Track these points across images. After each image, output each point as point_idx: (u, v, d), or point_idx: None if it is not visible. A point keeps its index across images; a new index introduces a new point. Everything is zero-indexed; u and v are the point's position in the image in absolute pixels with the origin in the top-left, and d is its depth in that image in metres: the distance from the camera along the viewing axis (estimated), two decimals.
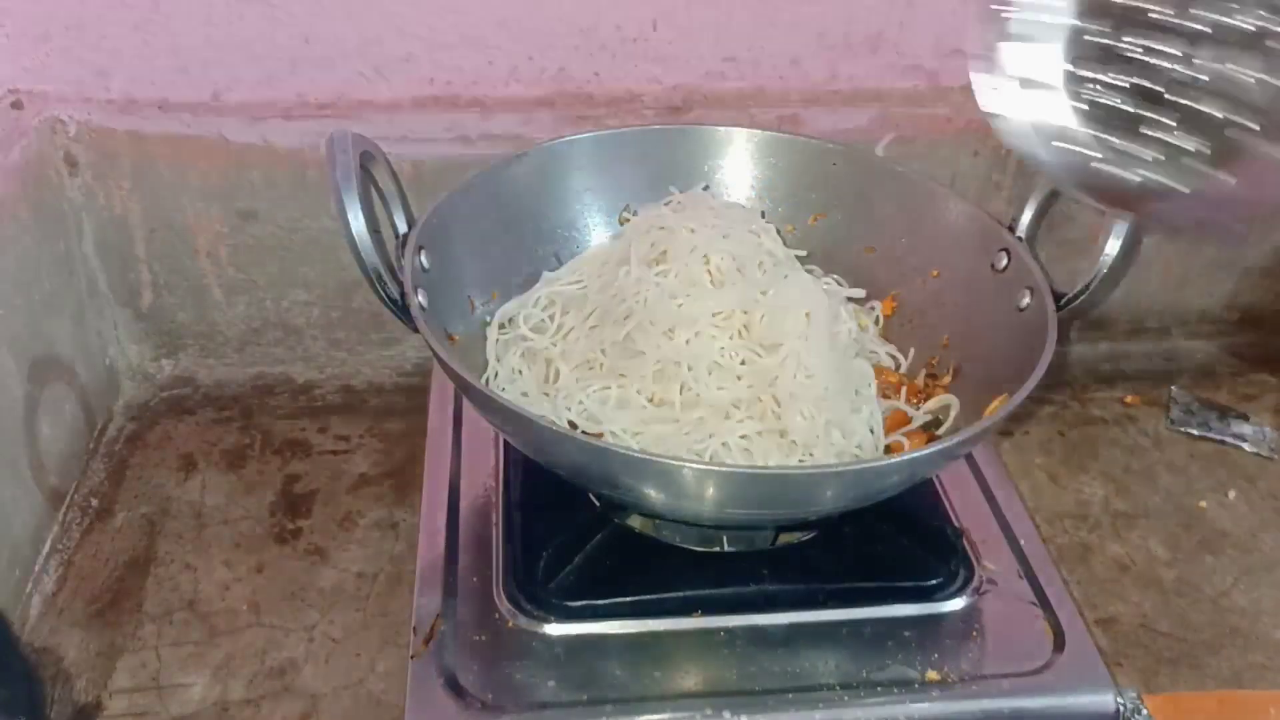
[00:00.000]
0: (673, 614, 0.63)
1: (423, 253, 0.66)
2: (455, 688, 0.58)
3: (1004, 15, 0.63)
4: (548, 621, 0.62)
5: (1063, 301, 0.65)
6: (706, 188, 0.79)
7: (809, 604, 0.64)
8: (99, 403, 0.89)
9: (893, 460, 0.54)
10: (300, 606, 0.74)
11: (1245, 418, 0.94)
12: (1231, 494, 0.87)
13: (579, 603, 0.63)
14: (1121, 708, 0.62)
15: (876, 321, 0.76)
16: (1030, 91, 0.64)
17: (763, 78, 0.85)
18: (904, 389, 0.71)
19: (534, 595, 0.63)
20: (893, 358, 0.74)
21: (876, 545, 0.67)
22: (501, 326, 0.73)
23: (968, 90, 0.86)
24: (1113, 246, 0.63)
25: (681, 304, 0.67)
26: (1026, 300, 0.66)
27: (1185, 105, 0.58)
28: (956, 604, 0.65)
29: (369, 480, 0.85)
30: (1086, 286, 0.64)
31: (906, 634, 0.63)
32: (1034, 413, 0.94)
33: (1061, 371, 1.00)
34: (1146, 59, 0.59)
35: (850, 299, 0.76)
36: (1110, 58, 0.61)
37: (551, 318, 0.72)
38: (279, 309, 0.93)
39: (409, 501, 0.82)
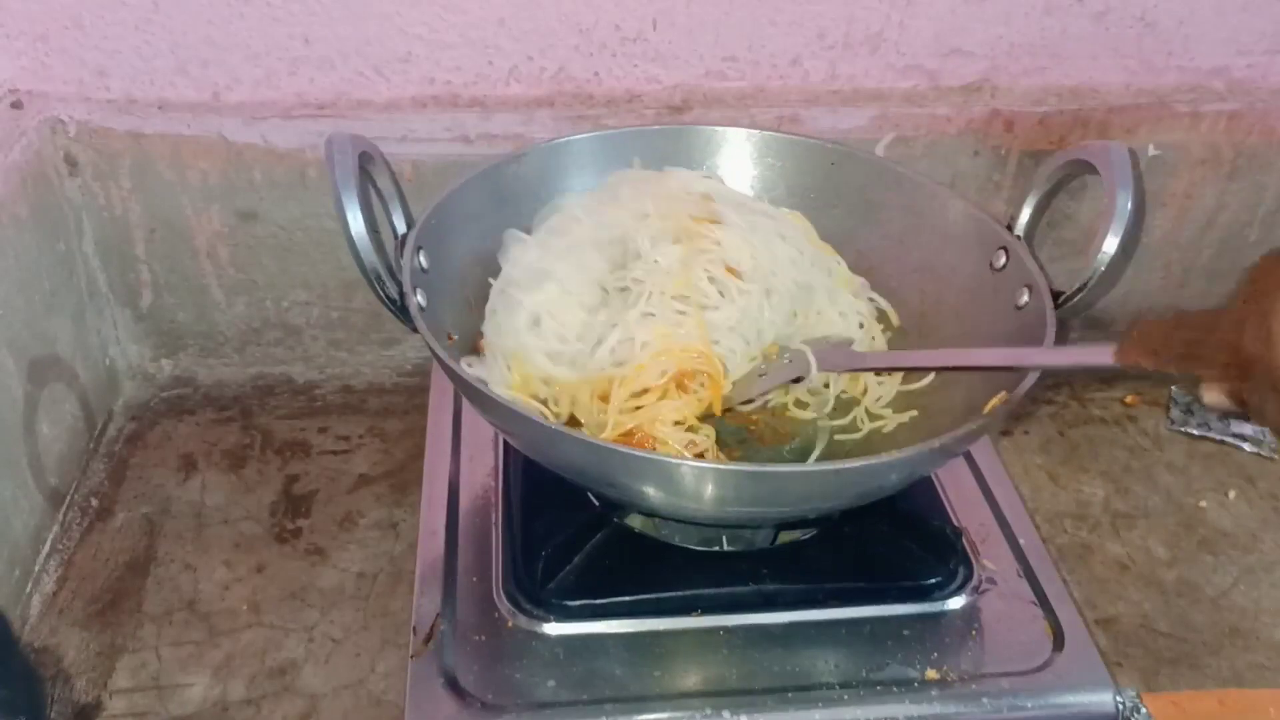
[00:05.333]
0: (672, 613, 0.63)
1: (421, 253, 0.66)
2: (455, 688, 0.58)
3: None
4: (547, 621, 0.62)
5: (1061, 300, 0.65)
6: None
7: (808, 603, 0.64)
8: (99, 403, 0.89)
9: (891, 458, 0.54)
10: (300, 606, 0.74)
11: (1245, 418, 0.94)
12: (1231, 494, 0.86)
13: (578, 602, 0.63)
14: (1121, 707, 0.62)
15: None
16: None
17: (763, 78, 0.85)
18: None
19: (534, 595, 0.63)
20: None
21: (876, 544, 0.67)
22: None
23: (968, 90, 0.87)
24: (1110, 245, 0.63)
25: None
26: (1025, 299, 0.66)
27: None
28: (956, 603, 0.65)
29: (369, 480, 0.85)
30: (1084, 285, 0.64)
31: (906, 633, 0.63)
32: (1034, 413, 0.94)
33: (1061, 371, 1.00)
34: None
35: None
36: None
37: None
38: (279, 309, 0.93)
39: (409, 501, 0.82)
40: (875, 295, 0.76)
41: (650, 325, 0.65)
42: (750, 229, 0.70)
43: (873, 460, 0.54)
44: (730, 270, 0.68)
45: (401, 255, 0.65)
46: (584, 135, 0.77)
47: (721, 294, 0.67)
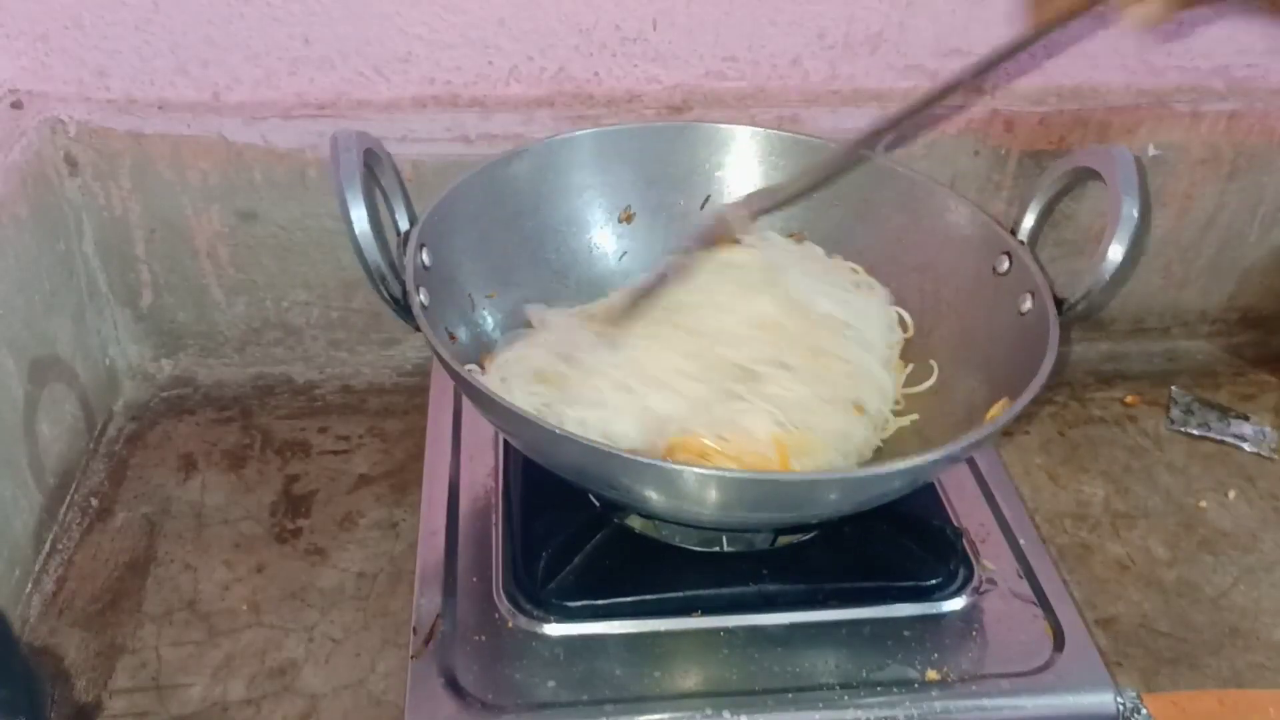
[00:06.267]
0: (672, 614, 0.63)
1: (424, 251, 0.66)
2: (455, 688, 0.58)
3: None
4: (547, 621, 0.62)
5: (1065, 307, 0.64)
6: (709, 198, 0.80)
7: (809, 604, 0.64)
8: (99, 403, 0.89)
9: (895, 466, 0.53)
10: (300, 606, 0.74)
11: (1245, 418, 0.94)
12: (1231, 494, 0.87)
13: (579, 603, 0.63)
14: (1121, 707, 0.62)
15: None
16: None
17: (763, 78, 0.85)
18: None
19: (534, 595, 0.63)
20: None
21: (876, 545, 0.67)
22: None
23: (967, 90, 0.87)
24: (1116, 253, 0.62)
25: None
26: (1028, 304, 0.66)
27: None
28: (956, 604, 0.65)
29: (369, 480, 0.85)
30: (1089, 292, 0.64)
31: (906, 634, 0.63)
32: (1034, 413, 0.95)
33: (1061, 371, 1.00)
34: None
35: None
36: None
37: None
38: (279, 309, 0.93)
39: (409, 501, 0.82)
40: (899, 310, 0.76)
41: (754, 418, 0.64)
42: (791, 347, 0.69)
43: (877, 469, 0.54)
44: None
45: (404, 253, 0.65)
46: (584, 132, 0.77)
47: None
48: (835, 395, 0.67)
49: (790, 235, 0.79)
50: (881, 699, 0.59)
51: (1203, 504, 0.86)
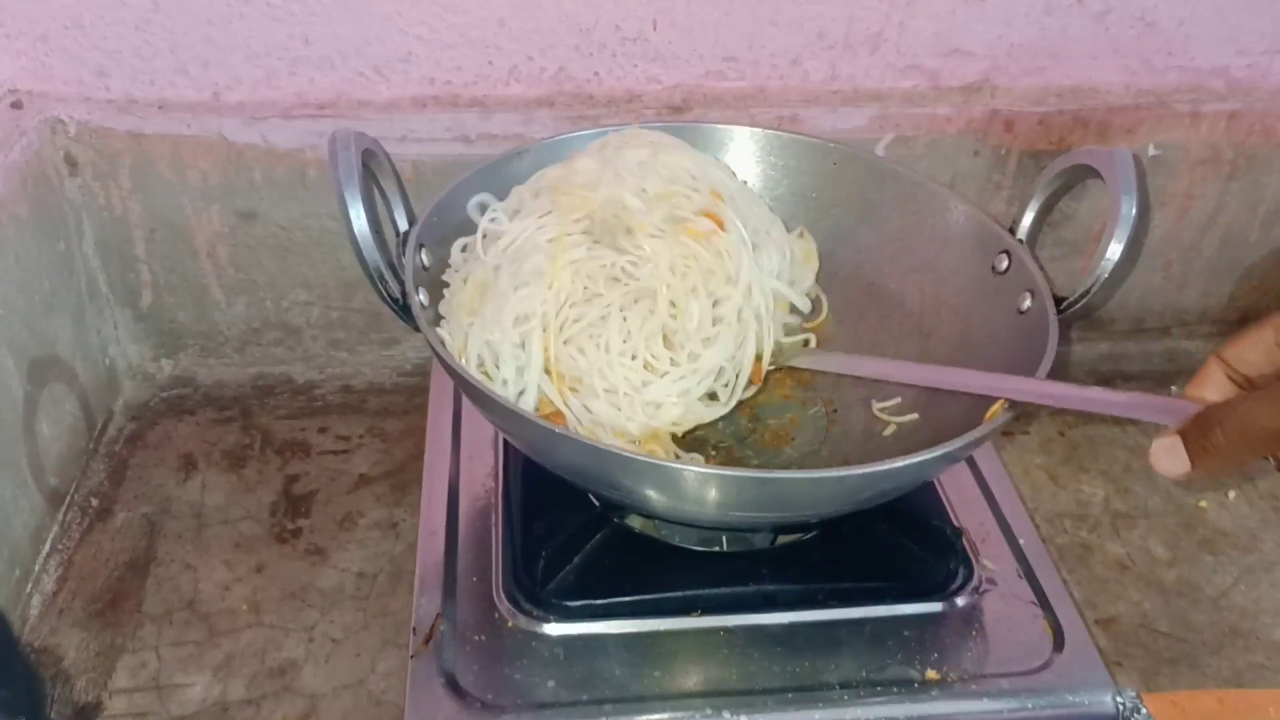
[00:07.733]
0: (672, 614, 0.63)
1: (423, 251, 0.66)
2: (455, 688, 0.59)
3: None
4: (547, 621, 0.62)
5: (1063, 306, 0.64)
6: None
7: (808, 604, 0.64)
8: (99, 403, 0.89)
9: (894, 464, 0.53)
10: (300, 606, 0.74)
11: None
12: (1231, 494, 0.87)
13: (578, 602, 0.63)
14: (1121, 707, 0.62)
15: None
16: None
17: (763, 78, 0.85)
18: None
19: (534, 595, 0.63)
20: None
21: (876, 545, 0.67)
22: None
23: (968, 90, 0.87)
24: (1114, 251, 0.62)
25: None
26: (1027, 303, 0.66)
27: None
28: (956, 603, 0.65)
29: (369, 480, 0.85)
30: (1088, 291, 0.64)
31: (906, 633, 0.63)
32: (1034, 413, 0.94)
33: (1061, 371, 0.99)
34: None
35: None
36: None
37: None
38: (279, 309, 0.93)
39: (409, 501, 0.82)
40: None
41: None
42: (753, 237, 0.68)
43: (877, 467, 0.53)
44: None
45: (403, 253, 0.65)
46: (586, 131, 0.77)
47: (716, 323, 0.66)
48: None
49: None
50: (881, 699, 0.59)
51: (1203, 504, 0.86)
